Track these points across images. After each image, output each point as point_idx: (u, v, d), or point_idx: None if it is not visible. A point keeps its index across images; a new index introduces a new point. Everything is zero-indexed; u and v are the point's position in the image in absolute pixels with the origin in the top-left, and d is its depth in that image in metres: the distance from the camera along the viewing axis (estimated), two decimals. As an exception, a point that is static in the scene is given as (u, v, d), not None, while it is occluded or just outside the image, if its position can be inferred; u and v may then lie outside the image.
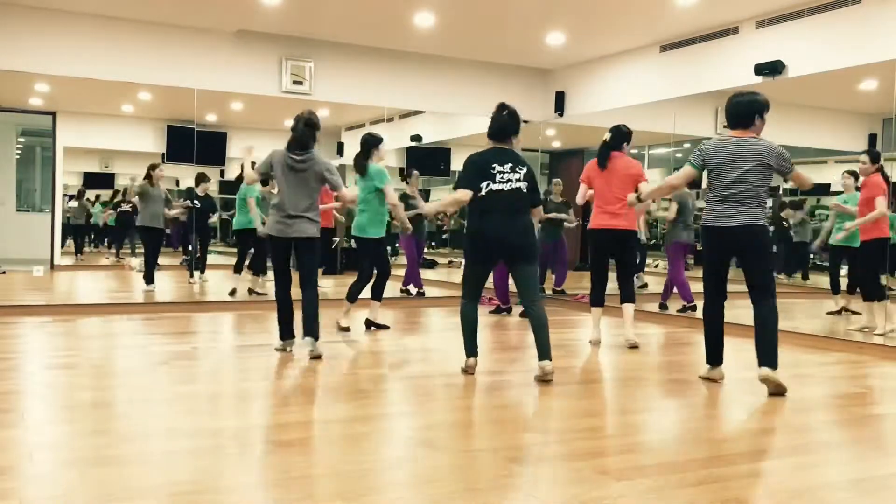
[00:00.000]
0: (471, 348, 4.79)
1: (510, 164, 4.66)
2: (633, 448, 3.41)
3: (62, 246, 10.53)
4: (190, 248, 10.13)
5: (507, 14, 7.85)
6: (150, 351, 5.68)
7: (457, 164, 11.35)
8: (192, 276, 9.91)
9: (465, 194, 4.66)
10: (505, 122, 4.81)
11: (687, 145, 9.45)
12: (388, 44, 9.10)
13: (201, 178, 9.61)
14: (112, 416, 3.79)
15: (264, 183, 8.37)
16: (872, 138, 8.01)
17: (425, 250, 11.23)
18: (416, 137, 10.67)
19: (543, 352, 4.63)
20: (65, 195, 10.35)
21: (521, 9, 7.65)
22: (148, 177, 8.88)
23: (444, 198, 5.54)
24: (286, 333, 5.47)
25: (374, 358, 5.62)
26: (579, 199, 6.30)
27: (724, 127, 4.74)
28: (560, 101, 10.02)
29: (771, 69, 7.39)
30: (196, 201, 9.46)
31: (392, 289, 7.89)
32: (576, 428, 3.77)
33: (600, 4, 7.51)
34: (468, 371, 4.77)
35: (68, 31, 7.94)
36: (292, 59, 8.82)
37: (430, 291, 9.47)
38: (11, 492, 2.63)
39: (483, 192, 4.60)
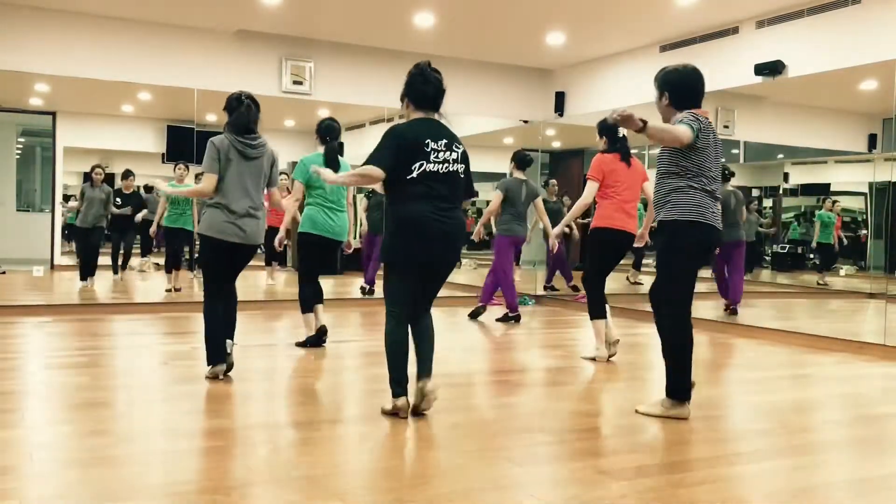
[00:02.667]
0: (401, 382, 3.70)
1: (445, 141, 3.70)
2: (633, 448, 3.41)
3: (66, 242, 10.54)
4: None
5: (507, 14, 7.85)
6: (150, 351, 5.68)
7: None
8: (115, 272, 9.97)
9: (376, 172, 3.58)
10: (440, 85, 3.83)
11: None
12: (388, 44, 9.10)
13: (126, 175, 9.77)
14: (112, 416, 3.79)
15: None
16: (872, 138, 8.01)
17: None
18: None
19: (427, 367, 3.77)
20: (65, 195, 10.34)
21: (521, 9, 7.65)
22: (88, 178, 9.16)
23: (350, 171, 4.31)
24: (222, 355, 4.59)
25: (372, 358, 5.62)
26: (589, 199, 5.58)
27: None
28: (560, 101, 10.02)
29: (771, 69, 7.39)
30: (118, 199, 9.59)
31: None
32: (576, 428, 3.77)
33: (600, 4, 7.51)
34: (399, 414, 3.69)
35: (68, 31, 7.94)
36: (292, 59, 8.83)
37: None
38: (11, 492, 2.63)
39: (414, 174, 3.60)
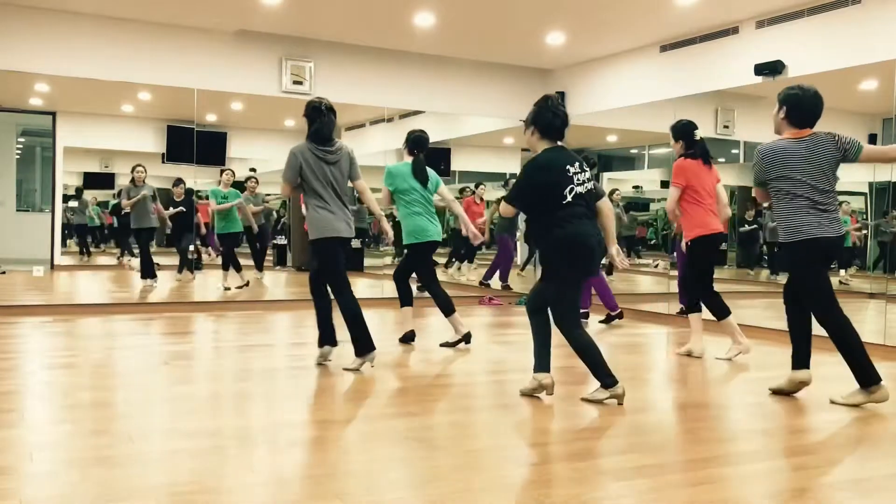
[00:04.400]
0: (609, 372, 4.17)
1: (578, 164, 4.19)
2: (633, 448, 3.41)
3: (63, 246, 10.53)
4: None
5: (507, 14, 7.85)
6: (150, 351, 5.68)
7: (457, 164, 11.36)
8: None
9: (508, 210, 4.35)
10: (567, 119, 4.32)
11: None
12: (388, 44, 9.10)
13: (177, 183, 9.89)
14: (112, 416, 3.79)
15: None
16: (872, 138, 8.00)
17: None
18: (417, 137, 10.66)
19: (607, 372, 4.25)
20: (65, 195, 10.36)
21: (521, 9, 7.65)
22: (132, 179, 9.35)
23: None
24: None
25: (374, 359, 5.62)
26: (672, 205, 5.58)
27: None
28: (560, 101, 10.01)
29: (771, 69, 7.39)
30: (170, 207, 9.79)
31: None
32: (576, 428, 3.77)
33: (600, 4, 7.51)
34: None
35: (68, 31, 7.94)
36: (292, 59, 8.82)
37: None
38: (11, 492, 2.63)
39: (569, 198, 4.08)
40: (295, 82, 8.81)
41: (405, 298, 6.05)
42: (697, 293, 5.69)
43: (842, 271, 9.50)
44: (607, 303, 7.49)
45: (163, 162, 10.02)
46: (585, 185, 4.15)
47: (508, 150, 11.43)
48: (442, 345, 5.97)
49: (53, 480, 2.81)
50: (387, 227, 5.61)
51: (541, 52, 9.26)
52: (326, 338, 5.08)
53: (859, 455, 3.47)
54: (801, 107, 4.25)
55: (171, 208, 9.66)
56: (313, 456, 3.21)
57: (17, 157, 12.59)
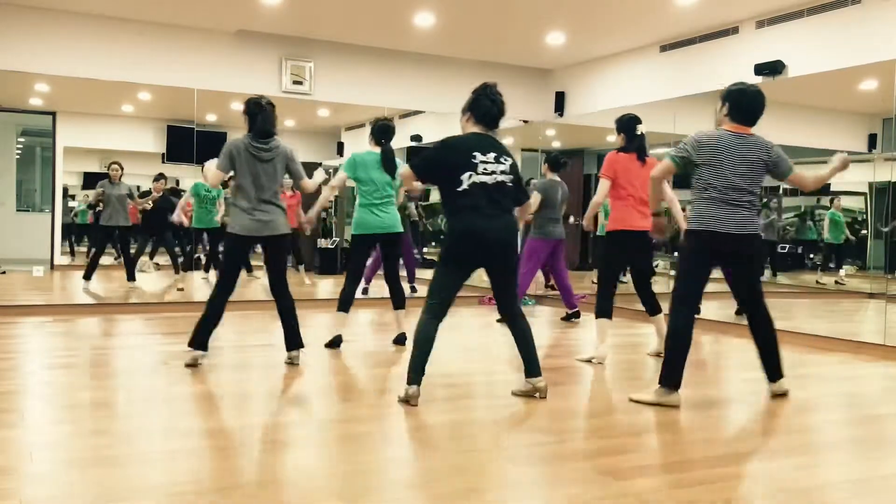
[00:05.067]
0: (418, 372, 4.01)
1: (494, 154, 4.02)
2: (633, 448, 3.41)
3: (62, 244, 10.54)
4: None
5: (507, 14, 7.85)
6: (150, 351, 5.68)
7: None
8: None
9: (410, 175, 4.13)
10: (503, 108, 4.12)
11: (687, 145, 9.44)
12: (388, 44, 9.10)
13: (158, 178, 9.90)
14: (112, 416, 3.79)
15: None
16: (872, 138, 8.00)
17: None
18: (417, 137, 10.67)
19: (535, 366, 4.23)
20: (90, 204, 10.40)
21: (521, 9, 7.65)
22: (105, 176, 9.29)
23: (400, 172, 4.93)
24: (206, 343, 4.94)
25: (372, 358, 5.62)
26: (601, 197, 5.50)
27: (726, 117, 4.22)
28: (560, 101, 10.02)
29: (771, 69, 7.39)
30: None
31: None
32: (576, 428, 3.77)
33: (600, 4, 7.51)
34: (410, 402, 3.97)
35: (68, 31, 7.94)
36: (292, 59, 8.83)
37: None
38: (11, 492, 2.63)
39: (465, 185, 3.94)
40: (295, 82, 8.81)
41: (342, 302, 5.76)
42: (603, 286, 5.47)
43: (840, 271, 9.51)
44: (567, 300, 7.66)
45: (163, 162, 10.03)
46: (496, 176, 3.97)
47: (508, 150, 11.42)
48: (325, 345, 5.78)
49: (53, 480, 2.81)
50: (314, 217, 5.50)
51: (541, 52, 9.26)
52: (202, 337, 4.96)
53: (859, 455, 3.47)
54: (741, 104, 4.19)
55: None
56: (313, 456, 3.21)
57: (17, 157, 12.58)
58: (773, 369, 4.40)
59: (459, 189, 3.93)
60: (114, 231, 9.19)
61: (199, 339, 4.91)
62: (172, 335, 6.44)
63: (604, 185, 5.42)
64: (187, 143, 9.09)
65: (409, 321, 6.14)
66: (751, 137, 4.19)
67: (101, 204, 9.19)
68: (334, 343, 5.72)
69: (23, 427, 3.51)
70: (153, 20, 8.21)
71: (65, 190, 11.25)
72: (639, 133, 5.45)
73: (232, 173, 4.88)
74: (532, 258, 7.42)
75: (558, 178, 7.51)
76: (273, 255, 5.00)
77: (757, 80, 7.52)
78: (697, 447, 3.46)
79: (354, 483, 2.84)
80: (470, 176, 3.93)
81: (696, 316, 4.40)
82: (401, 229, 5.81)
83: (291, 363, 5.07)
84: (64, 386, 4.38)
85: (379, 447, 3.34)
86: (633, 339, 6.85)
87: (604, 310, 5.45)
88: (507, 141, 11.97)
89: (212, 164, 4.89)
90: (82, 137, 10.11)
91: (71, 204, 11.38)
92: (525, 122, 10.18)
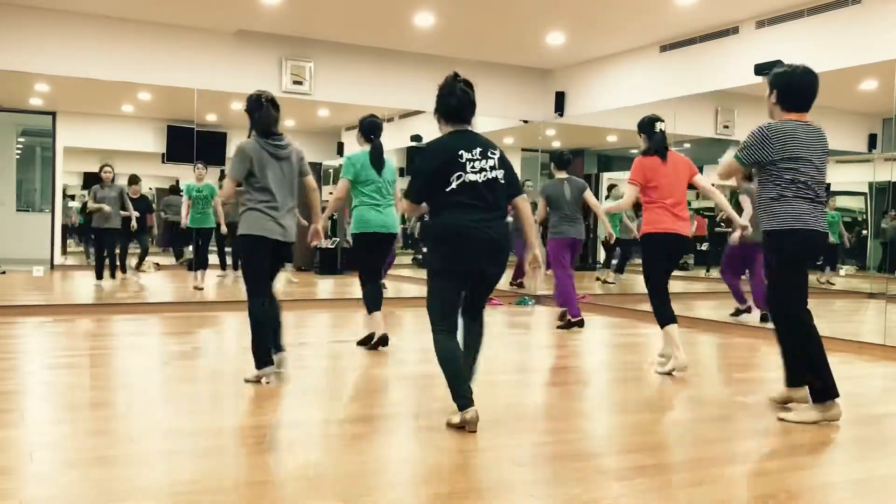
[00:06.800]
0: (465, 392, 3.59)
1: (479, 150, 3.69)
2: (633, 448, 3.41)
3: (63, 246, 10.54)
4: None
5: (507, 14, 7.85)
6: (150, 351, 5.68)
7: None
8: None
9: (412, 208, 3.81)
10: (466, 97, 3.73)
11: (687, 145, 9.44)
12: (388, 44, 9.10)
13: (133, 181, 9.93)
14: (112, 416, 3.79)
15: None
16: (872, 138, 8.00)
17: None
18: (416, 137, 10.67)
19: (469, 375, 3.79)
20: (83, 205, 10.40)
21: (521, 9, 7.65)
22: (98, 179, 9.30)
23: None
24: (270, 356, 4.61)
25: (373, 358, 5.62)
26: (628, 204, 5.34)
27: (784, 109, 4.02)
28: (560, 101, 10.02)
29: (771, 69, 7.35)
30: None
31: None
32: (576, 428, 3.77)
33: (600, 4, 7.51)
34: (468, 427, 3.53)
35: (68, 31, 7.94)
36: (292, 59, 8.83)
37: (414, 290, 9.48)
38: (11, 492, 2.63)
39: (454, 186, 3.62)
40: (295, 82, 8.81)
41: (368, 302, 5.72)
42: (655, 297, 5.17)
43: (835, 271, 9.51)
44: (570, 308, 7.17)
45: (163, 162, 10.03)
46: (485, 173, 3.64)
47: (508, 150, 11.40)
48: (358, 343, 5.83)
49: (53, 480, 2.81)
50: (321, 227, 5.03)
51: (541, 52, 9.27)
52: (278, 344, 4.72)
53: (859, 455, 3.47)
54: (790, 89, 4.02)
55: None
56: (313, 456, 3.21)
57: (17, 157, 12.59)
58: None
59: (447, 189, 3.61)
60: (105, 232, 9.27)
61: (261, 359, 4.53)
62: (172, 335, 6.44)
63: (632, 191, 5.20)
64: (187, 143, 9.10)
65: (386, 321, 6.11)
66: (812, 126, 3.95)
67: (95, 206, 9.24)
68: (382, 342, 5.68)
69: (23, 427, 3.51)
70: (153, 20, 8.21)
71: (63, 190, 11.26)
72: (658, 131, 5.22)
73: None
74: (555, 261, 7.09)
75: (566, 176, 7.09)
76: (278, 261, 4.76)
77: (757, 80, 7.52)
78: (697, 447, 3.46)
79: (354, 483, 2.84)
80: (459, 176, 3.61)
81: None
82: (396, 230, 5.80)
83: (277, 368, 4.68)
84: (64, 386, 4.38)
85: (379, 447, 3.34)
86: (634, 339, 6.85)
87: (665, 316, 5.11)
88: (507, 141, 12.01)
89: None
90: (82, 137, 10.12)
91: (71, 204, 11.39)
92: (525, 122, 10.18)
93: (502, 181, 3.70)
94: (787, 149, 3.85)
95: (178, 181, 10.66)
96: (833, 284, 9.47)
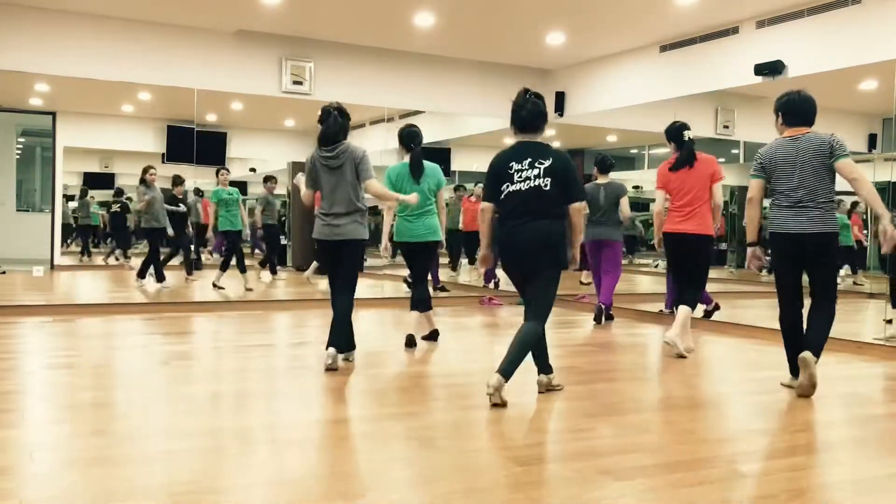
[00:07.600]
0: (507, 367, 4.00)
1: (529, 160, 4.00)
2: (633, 448, 3.41)
3: (63, 245, 10.53)
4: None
5: (507, 14, 7.85)
6: (150, 351, 5.68)
7: (457, 164, 11.36)
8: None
9: (486, 206, 4.20)
10: (534, 108, 4.08)
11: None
12: (388, 44, 9.10)
13: (176, 182, 9.98)
14: (112, 416, 3.79)
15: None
16: (872, 138, 8.00)
17: None
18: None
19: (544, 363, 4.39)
20: (64, 195, 10.38)
21: (521, 9, 7.65)
22: (143, 180, 9.39)
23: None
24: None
25: (373, 358, 5.62)
26: (660, 208, 5.91)
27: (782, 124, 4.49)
28: (560, 101, 10.02)
29: (771, 69, 7.39)
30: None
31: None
32: (576, 428, 3.77)
33: (600, 4, 7.51)
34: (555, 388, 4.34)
35: (68, 31, 7.94)
36: (292, 59, 8.83)
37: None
38: (11, 492, 2.63)
39: (503, 196, 4.07)
40: (295, 82, 8.81)
41: (418, 302, 5.99)
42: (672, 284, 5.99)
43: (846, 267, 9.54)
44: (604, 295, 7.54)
45: (163, 162, 10.03)
46: (530, 182, 3.98)
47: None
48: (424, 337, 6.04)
49: (53, 480, 2.81)
50: (388, 246, 5.98)
51: (541, 52, 9.27)
52: (331, 340, 4.99)
53: (859, 455, 3.47)
54: (788, 109, 4.50)
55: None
56: (313, 456, 3.21)
57: (17, 157, 12.60)
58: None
59: (500, 199, 4.08)
60: (153, 232, 9.43)
61: (329, 341, 4.97)
62: (172, 335, 6.44)
63: (658, 196, 5.91)
64: (187, 142, 9.10)
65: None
66: (804, 136, 4.42)
67: (147, 207, 9.38)
68: (408, 342, 5.83)
69: (23, 427, 3.51)
70: (153, 20, 8.21)
71: (84, 191, 11.30)
72: (686, 139, 5.71)
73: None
74: (589, 262, 7.65)
75: (607, 180, 7.49)
76: (341, 259, 5.06)
77: (757, 80, 7.53)
78: (697, 447, 3.46)
79: (354, 483, 2.84)
80: (507, 186, 4.02)
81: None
82: (434, 238, 5.84)
83: (333, 365, 4.89)
84: (64, 386, 4.38)
85: (379, 447, 3.34)
86: (634, 339, 6.85)
87: (676, 300, 5.81)
88: (507, 141, 11.98)
89: (301, 181, 5.17)
90: (82, 137, 10.13)
91: (71, 204, 11.40)
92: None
93: (547, 188, 3.97)
94: (766, 165, 4.50)
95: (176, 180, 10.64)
96: (861, 285, 9.52)
